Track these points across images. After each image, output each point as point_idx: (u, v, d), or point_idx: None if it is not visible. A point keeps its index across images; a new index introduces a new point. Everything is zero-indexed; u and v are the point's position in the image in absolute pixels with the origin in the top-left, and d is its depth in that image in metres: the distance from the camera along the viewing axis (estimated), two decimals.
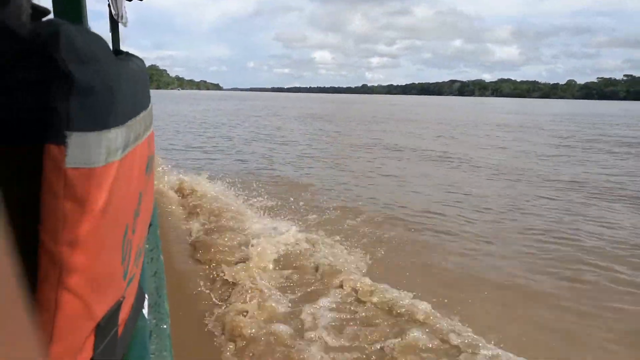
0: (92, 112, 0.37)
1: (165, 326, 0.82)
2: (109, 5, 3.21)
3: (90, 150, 0.37)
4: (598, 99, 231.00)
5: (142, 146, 0.50)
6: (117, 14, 2.89)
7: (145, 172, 0.52)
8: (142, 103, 0.48)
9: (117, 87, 0.40)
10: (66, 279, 0.37)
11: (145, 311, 0.71)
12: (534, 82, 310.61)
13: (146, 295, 0.75)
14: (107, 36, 3.84)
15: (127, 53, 0.46)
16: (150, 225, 1.05)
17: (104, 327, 0.43)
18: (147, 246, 1.00)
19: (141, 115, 0.48)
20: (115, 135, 0.41)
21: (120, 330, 0.49)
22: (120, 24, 3.44)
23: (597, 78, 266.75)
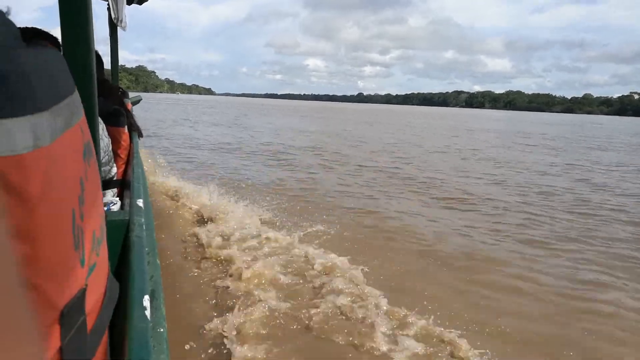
0: (7, 97, 0.37)
1: (162, 329, 0.85)
2: (108, 8, 3.48)
3: (15, 137, 0.37)
4: (633, 115, 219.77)
5: (74, 132, 0.55)
6: (117, 18, 3.20)
7: (82, 158, 0.57)
8: (65, 89, 0.53)
9: (32, 72, 0.41)
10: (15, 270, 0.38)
11: (147, 312, 0.77)
12: (549, 95, 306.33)
13: (147, 297, 0.82)
14: (106, 39, 4.12)
15: (40, 41, 0.50)
16: (145, 227, 1.13)
17: (68, 316, 0.45)
18: (146, 249, 1.05)
19: (66, 101, 0.52)
20: (40, 120, 0.42)
21: (90, 323, 0.51)
22: (119, 28, 3.70)
23: (630, 92, 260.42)
